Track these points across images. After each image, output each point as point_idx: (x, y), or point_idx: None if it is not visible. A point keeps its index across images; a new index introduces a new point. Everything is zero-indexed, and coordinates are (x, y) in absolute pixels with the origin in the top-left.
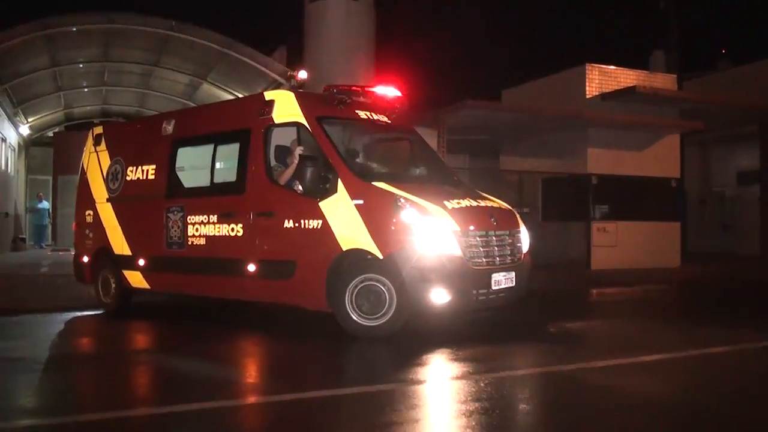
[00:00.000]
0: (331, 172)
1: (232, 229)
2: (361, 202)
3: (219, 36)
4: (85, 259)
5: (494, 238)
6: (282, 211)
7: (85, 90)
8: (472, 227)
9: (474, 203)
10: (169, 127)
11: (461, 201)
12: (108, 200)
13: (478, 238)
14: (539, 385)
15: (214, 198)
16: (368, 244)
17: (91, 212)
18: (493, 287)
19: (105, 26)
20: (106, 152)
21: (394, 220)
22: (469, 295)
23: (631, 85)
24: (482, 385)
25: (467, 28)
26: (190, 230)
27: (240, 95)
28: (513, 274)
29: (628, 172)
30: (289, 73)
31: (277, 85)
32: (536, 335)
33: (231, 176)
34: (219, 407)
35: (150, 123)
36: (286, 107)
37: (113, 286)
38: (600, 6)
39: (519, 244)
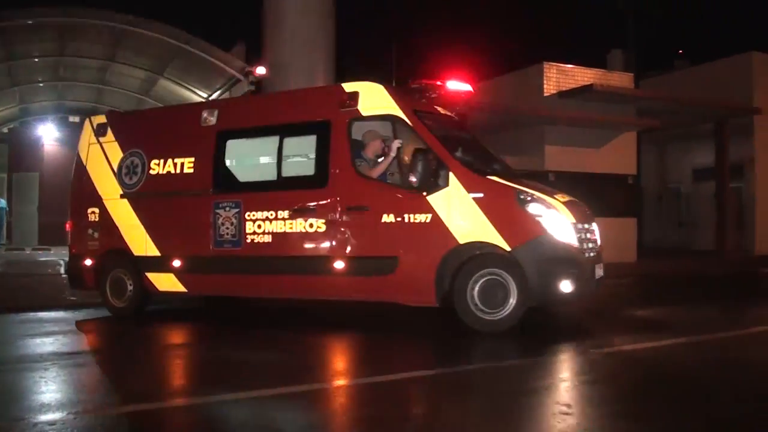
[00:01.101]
0: (441, 165)
1: (311, 225)
2: (480, 195)
3: (176, 31)
4: (88, 262)
5: (590, 230)
6: (378, 206)
7: (41, 85)
8: (579, 220)
9: (568, 197)
10: (211, 118)
11: (558, 195)
12: (123, 196)
13: (584, 230)
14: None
15: (285, 192)
16: (493, 237)
17: (97, 210)
18: (596, 277)
19: (61, 20)
20: (116, 144)
21: (520, 213)
22: (587, 284)
23: (589, 83)
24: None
25: (425, 24)
26: (250, 227)
27: (198, 91)
28: (602, 264)
29: (585, 169)
30: (246, 69)
31: (236, 82)
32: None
33: (307, 169)
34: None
35: (178, 112)
36: (375, 99)
37: (129, 289)
38: (559, 5)
39: (597, 237)
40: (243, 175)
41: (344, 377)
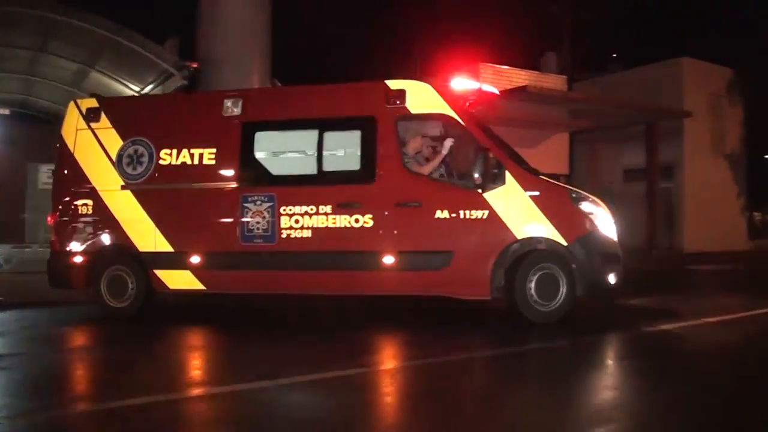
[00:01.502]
0: (498, 164)
1: (357, 220)
2: (537, 193)
3: (108, 22)
4: (78, 259)
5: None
6: (431, 202)
7: None
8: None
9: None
10: (235, 109)
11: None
12: (125, 188)
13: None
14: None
15: (327, 187)
16: (550, 232)
17: (89, 203)
18: None
19: None
20: (113, 130)
21: (574, 211)
22: (622, 276)
23: (523, 84)
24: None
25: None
26: (285, 222)
27: (131, 85)
28: None
29: None
30: (182, 63)
31: (169, 76)
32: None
33: (352, 164)
34: None
35: (193, 100)
36: (424, 98)
37: (131, 288)
38: (494, 7)
39: None
40: (276, 168)
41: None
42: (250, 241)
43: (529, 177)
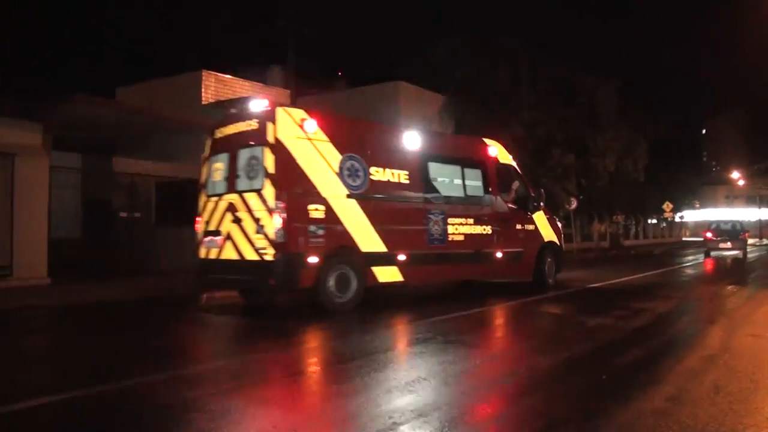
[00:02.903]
0: (536, 198)
1: (484, 230)
2: (547, 216)
3: None
4: (314, 260)
5: None
6: (513, 219)
7: None
8: None
9: None
10: (416, 143)
11: None
12: (350, 197)
13: None
14: None
15: (469, 206)
16: (555, 238)
17: (322, 209)
18: None
19: None
20: (330, 144)
21: (556, 224)
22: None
23: (247, 95)
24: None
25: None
26: (450, 230)
27: None
28: None
29: None
30: None
31: None
32: None
33: (479, 191)
34: None
35: (388, 131)
36: (502, 153)
37: (354, 283)
38: (223, 16)
39: None
40: (443, 190)
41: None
42: (432, 244)
43: (543, 207)
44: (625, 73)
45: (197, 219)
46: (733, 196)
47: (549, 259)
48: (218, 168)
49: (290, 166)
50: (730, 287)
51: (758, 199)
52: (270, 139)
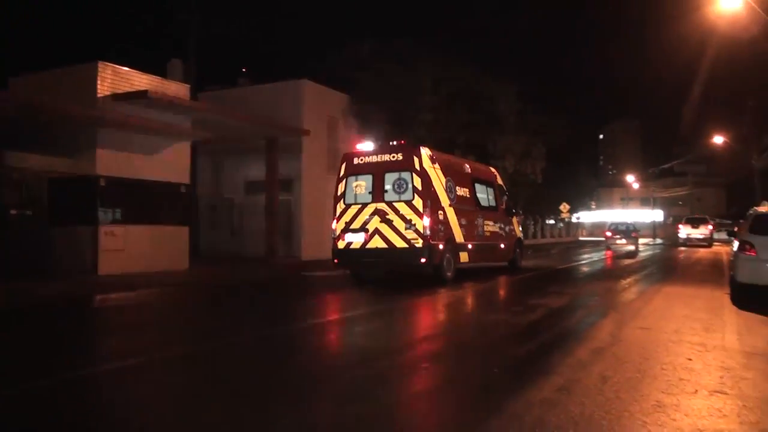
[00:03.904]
0: (514, 206)
1: (496, 229)
2: (518, 218)
3: None
4: (441, 246)
5: None
6: (505, 222)
7: None
8: None
9: None
10: (468, 169)
11: None
12: (450, 206)
13: None
14: None
15: (490, 213)
16: (521, 235)
17: (442, 213)
18: None
19: None
20: (441, 171)
21: (518, 224)
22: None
23: (144, 89)
24: None
25: None
26: (485, 229)
27: None
28: None
29: (140, 176)
30: None
31: None
32: None
33: (493, 203)
34: None
35: (457, 161)
36: (498, 176)
37: (452, 263)
38: (124, 5)
39: None
40: (482, 202)
41: None
42: (480, 238)
43: (515, 213)
44: (524, 80)
45: (335, 220)
46: (628, 198)
47: (518, 250)
48: (360, 185)
49: (428, 186)
50: (622, 283)
51: (652, 201)
52: (417, 167)
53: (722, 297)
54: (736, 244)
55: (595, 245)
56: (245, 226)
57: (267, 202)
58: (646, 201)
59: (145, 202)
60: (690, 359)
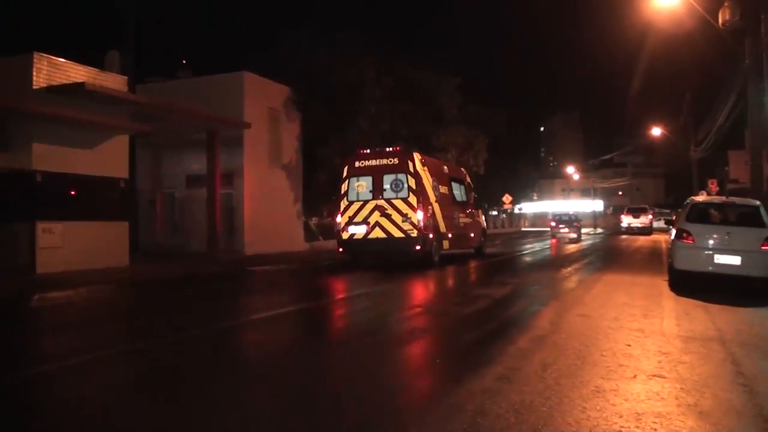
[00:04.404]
0: (478, 200)
1: (468, 220)
2: (483, 212)
3: None
4: (431, 235)
5: None
6: (473, 214)
7: None
8: None
9: None
10: (446, 169)
11: None
12: (435, 201)
13: None
14: None
15: (463, 206)
16: (485, 226)
17: (431, 208)
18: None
19: None
20: (428, 172)
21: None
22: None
23: (81, 81)
24: None
25: None
26: (460, 220)
27: None
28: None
29: (77, 170)
30: None
31: None
32: None
33: (465, 198)
34: None
35: (438, 163)
36: (467, 175)
37: (438, 250)
38: None
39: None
40: (457, 197)
41: None
42: (457, 228)
43: (481, 207)
44: (466, 73)
45: (339, 215)
46: (569, 189)
47: (482, 239)
48: (361, 184)
49: (421, 185)
50: (563, 271)
51: (592, 191)
52: (411, 170)
53: (661, 284)
54: (673, 233)
55: (537, 235)
56: (187, 221)
57: (208, 197)
58: (586, 192)
59: (83, 197)
60: (629, 345)
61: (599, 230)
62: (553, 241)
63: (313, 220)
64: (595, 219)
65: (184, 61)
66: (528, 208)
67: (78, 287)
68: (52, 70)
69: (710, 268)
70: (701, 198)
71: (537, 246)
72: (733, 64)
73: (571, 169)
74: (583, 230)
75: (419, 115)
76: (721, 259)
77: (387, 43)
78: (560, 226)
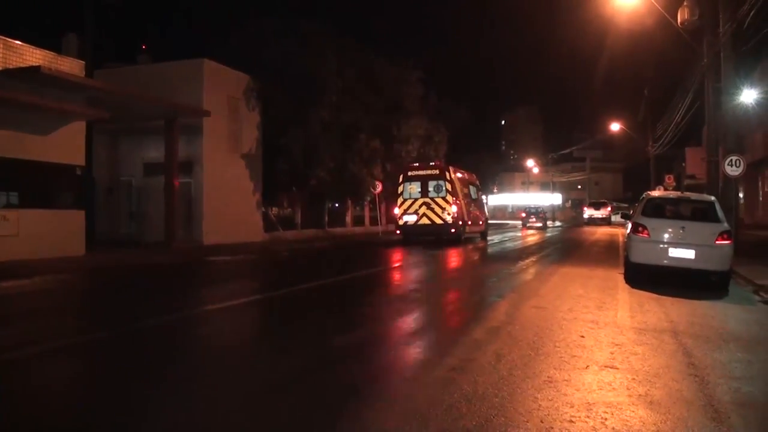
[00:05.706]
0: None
1: (479, 213)
2: (486, 206)
3: None
4: (461, 222)
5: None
6: (481, 208)
7: None
8: None
9: None
10: (466, 176)
11: None
12: (462, 199)
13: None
14: None
15: (475, 202)
16: (487, 216)
17: (461, 203)
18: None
19: None
20: (457, 179)
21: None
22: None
23: (37, 64)
24: None
25: None
26: (473, 212)
27: None
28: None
29: (30, 156)
30: None
31: None
32: None
33: (476, 196)
34: None
35: (462, 172)
36: (477, 179)
37: (464, 233)
38: None
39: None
40: (472, 195)
41: None
42: (472, 217)
43: (485, 202)
44: (427, 65)
45: (397, 207)
46: (529, 182)
47: (485, 226)
48: (413, 187)
49: (454, 188)
50: (520, 264)
51: (551, 185)
52: (448, 177)
53: (616, 277)
54: (629, 226)
55: (498, 227)
56: (144, 210)
57: (165, 185)
58: (546, 185)
59: (39, 184)
60: (583, 336)
61: (558, 223)
62: (524, 230)
63: (273, 210)
64: (553, 212)
65: (144, 47)
66: (489, 200)
67: (32, 276)
68: (7, 53)
69: (665, 261)
70: (657, 193)
71: (508, 235)
72: (692, 62)
73: (531, 163)
74: (548, 223)
75: (381, 106)
76: (675, 252)
77: (351, 34)
78: (530, 216)
